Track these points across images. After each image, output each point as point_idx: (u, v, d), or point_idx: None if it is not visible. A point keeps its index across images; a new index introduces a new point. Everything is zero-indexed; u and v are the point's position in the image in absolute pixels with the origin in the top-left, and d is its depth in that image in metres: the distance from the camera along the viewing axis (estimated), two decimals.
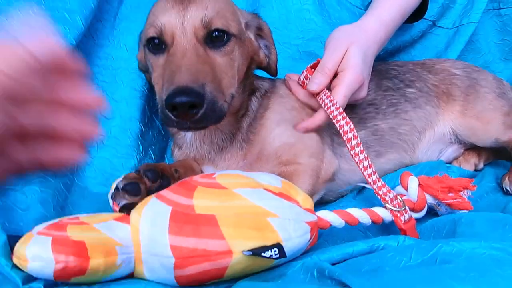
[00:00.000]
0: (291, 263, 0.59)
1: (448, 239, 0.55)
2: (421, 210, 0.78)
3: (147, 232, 0.56)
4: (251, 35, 0.86)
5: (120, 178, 0.71)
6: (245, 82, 0.86)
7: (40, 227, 0.56)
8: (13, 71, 0.36)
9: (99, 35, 0.91)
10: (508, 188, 0.93)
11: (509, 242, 0.53)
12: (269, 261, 0.56)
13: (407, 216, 0.73)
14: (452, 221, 0.69)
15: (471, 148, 1.10)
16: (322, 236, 0.74)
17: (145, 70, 0.90)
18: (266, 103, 0.89)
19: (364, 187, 0.89)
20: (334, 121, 0.80)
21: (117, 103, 0.91)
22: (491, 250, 0.51)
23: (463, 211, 0.77)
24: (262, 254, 0.53)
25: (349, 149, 0.77)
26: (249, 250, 0.53)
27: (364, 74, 0.87)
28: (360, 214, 0.70)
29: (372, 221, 0.71)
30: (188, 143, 0.88)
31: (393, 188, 0.79)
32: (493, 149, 1.10)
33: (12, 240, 0.58)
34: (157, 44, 0.76)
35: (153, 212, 0.57)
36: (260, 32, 0.88)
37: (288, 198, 0.62)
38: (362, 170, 0.76)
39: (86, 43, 0.89)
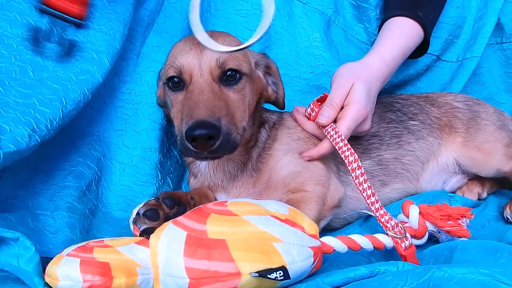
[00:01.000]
0: (296, 286, 0.63)
1: (441, 265, 0.59)
2: (422, 237, 0.82)
3: (164, 255, 0.61)
4: (260, 73, 0.93)
5: (141, 205, 0.76)
6: (255, 116, 0.92)
7: (69, 249, 0.62)
8: None
9: (124, 72, 0.98)
10: (509, 217, 0.95)
11: (497, 268, 0.56)
12: (274, 283, 0.60)
13: (407, 243, 0.77)
14: (449, 248, 0.73)
15: (475, 178, 1.12)
16: (327, 260, 0.78)
17: (163, 105, 0.97)
18: (274, 135, 0.94)
19: (370, 215, 0.93)
20: (339, 151, 0.85)
21: (138, 134, 0.98)
22: (479, 276, 0.55)
23: (461, 239, 0.80)
24: (268, 276, 0.58)
25: (353, 178, 0.82)
26: (256, 272, 0.58)
27: (367, 108, 0.92)
28: (362, 240, 0.74)
29: (374, 247, 0.75)
30: (202, 172, 0.93)
31: (396, 216, 0.83)
32: (497, 179, 1.12)
33: (43, 261, 0.63)
34: (176, 82, 0.83)
35: (170, 236, 0.62)
36: (268, 70, 0.95)
37: (293, 224, 0.67)
38: (366, 198, 0.80)
39: (112, 79, 0.96)
